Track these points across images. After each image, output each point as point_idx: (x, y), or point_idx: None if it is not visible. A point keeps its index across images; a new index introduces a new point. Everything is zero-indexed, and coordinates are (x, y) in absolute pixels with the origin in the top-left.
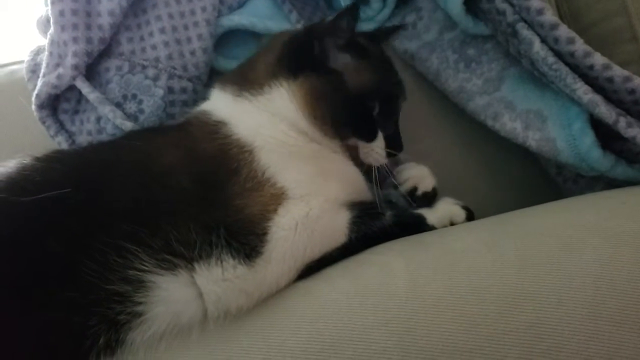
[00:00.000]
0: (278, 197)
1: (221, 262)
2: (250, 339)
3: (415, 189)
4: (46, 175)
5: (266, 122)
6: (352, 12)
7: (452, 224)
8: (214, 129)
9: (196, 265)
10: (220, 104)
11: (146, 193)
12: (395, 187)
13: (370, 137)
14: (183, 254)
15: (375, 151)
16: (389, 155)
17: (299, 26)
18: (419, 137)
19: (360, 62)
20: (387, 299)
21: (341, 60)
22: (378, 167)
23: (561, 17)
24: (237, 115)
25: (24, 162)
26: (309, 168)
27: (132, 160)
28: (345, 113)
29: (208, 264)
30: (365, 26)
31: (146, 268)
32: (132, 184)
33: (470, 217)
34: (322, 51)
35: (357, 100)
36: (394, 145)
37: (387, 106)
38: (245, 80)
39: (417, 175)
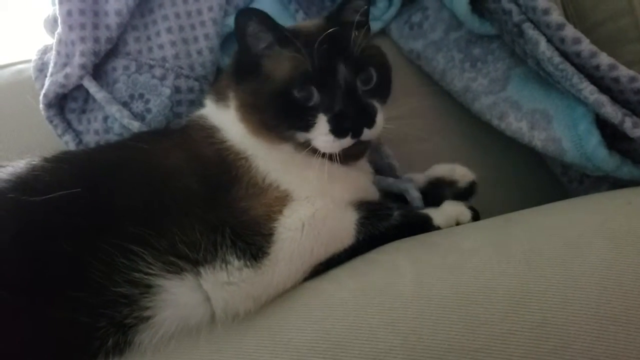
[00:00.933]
0: (283, 199)
1: (226, 264)
2: (257, 338)
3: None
4: (55, 176)
5: (247, 134)
6: (252, 16)
7: (458, 223)
8: (209, 133)
9: (202, 270)
10: (212, 111)
11: (152, 194)
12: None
13: (305, 127)
14: (188, 255)
15: (319, 139)
16: (343, 135)
17: None
18: (425, 137)
19: (282, 53)
20: (393, 299)
21: (269, 58)
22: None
23: (567, 17)
24: (225, 123)
25: (33, 162)
26: (309, 172)
27: (138, 162)
28: (274, 111)
29: (213, 267)
30: (373, 25)
31: (152, 271)
32: (138, 186)
33: (476, 217)
34: (254, 56)
35: (283, 93)
36: (342, 125)
37: (325, 84)
38: (218, 92)
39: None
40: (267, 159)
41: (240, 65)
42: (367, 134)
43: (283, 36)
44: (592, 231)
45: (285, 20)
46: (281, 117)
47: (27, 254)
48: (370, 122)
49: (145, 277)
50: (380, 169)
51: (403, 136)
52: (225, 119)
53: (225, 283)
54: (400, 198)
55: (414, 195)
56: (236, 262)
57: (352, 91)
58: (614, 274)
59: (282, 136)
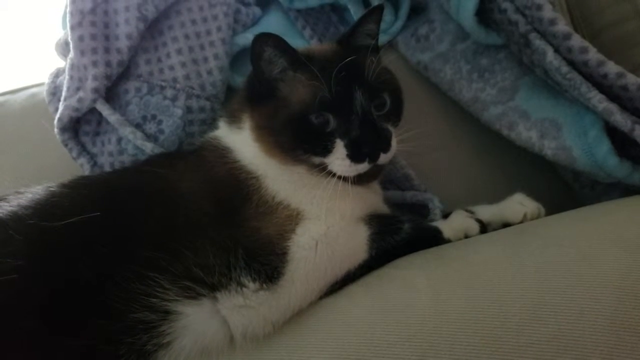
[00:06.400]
0: (294, 218)
1: (241, 287)
2: (275, 357)
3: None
4: (73, 202)
5: (260, 153)
6: (269, 41)
7: (466, 236)
8: (223, 154)
9: (218, 295)
10: (225, 132)
11: (166, 218)
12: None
13: (322, 152)
14: (203, 279)
15: (336, 163)
16: (361, 160)
17: (313, 42)
18: (435, 147)
19: (297, 78)
20: (409, 315)
21: (284, 83)
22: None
23: (573, 22)
24: (237, 144)
25: (52, 189)
26: (320, 191)
27: (154, 187)
28: (291, 135)
29: (229, 291)
30: (379, 39)
31: (169, 297)
32: (153, 211)
33: (483, 229)
34: (270, 80)
35: (300, 118)
36: (359, 150)
37: (342, 110)
38: (231, 114)
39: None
40: (277, 179)
41: (255, 89)
42: (383, 158)
43: (297, 60)
44: (605, 241)
45: (292, 37)
46: (298, 141)
47: (47, 280)
48: (386, 147)
49: (163, 302)
50: (397, 181)
51: (413, 147)
52: (238, 140)
53: (242, 307)
54: (412, 211)
55: (437, 205)
56: (252, 285)
57: (368, 117)
58: (629, 283)
59: (297, 159)
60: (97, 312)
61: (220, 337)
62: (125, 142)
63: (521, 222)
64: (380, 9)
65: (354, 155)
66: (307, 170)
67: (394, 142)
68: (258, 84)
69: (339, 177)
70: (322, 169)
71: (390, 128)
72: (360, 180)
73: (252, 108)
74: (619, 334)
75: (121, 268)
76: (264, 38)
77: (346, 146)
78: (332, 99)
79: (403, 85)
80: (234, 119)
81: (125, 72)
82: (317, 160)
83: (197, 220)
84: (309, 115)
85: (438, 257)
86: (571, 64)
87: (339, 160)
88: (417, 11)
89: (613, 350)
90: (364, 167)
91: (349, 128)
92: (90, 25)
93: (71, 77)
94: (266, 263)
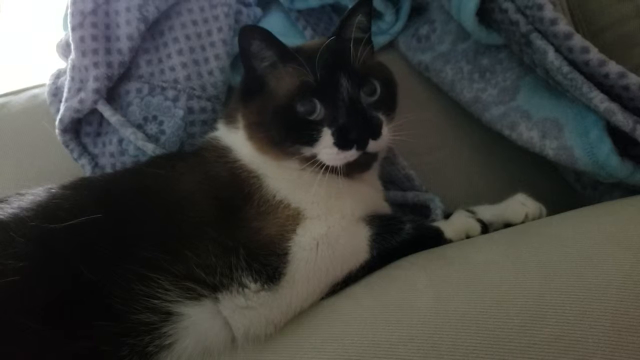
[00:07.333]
0: (294, 218)
1: (243, 288)
2: (277, 358)
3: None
4: (74, 203)
5: (254, 152)
6: (254, 34)
7: (467, 236)
8: (223, 153)
9: (220, 296)
10: (224, 133)
11: (167, 219)
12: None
13: (309, 141)
14: (205, 280)
15: (324, 152)
16: (348, 147)
17: None
18: (436, 148)
19: (285, 69)
20: (411, 315)
21: (273, 76)
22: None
23: (574, 22)
24: (237, 143)
25: (53, 190)
26: (318, 189)
27: (154, 188)
28: (279, 126)
29: (230, 292)
30: (380, 39)
31: (170, 298)
32: (154, 212)
33: (485, 230)
34: (259, 75)
35: (287, 107)
36: (347, 138)
37: (328, 97)
38: (228, 115)
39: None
40: (277, 177)
41: (247, 86)
42: (373, 145)
43: (286, 53)
44: (607, 241)
45: (294, 37)
46: (285, 132)
47: (49, 282)
48: (375, 134)
49: (164, 303)
50: (398, 181)
51: (414, 148)
52: (236, 140)
53: (244, 308)
54: (414, 211)
55: (438, 205)
56: (253, 285)
57: (355, 104)
58: (630, 284)
59: (287, 152)
60: (98, 314)
61: (222, 338)
62: (127, 143)
63: (523, 222)
64: (368, 0)
65: (341, 143)
66: (300, 164)
67: (385, 131)
68: (248, 80)
69: (327, 168)
70: (314, 162)
71: (382, 117)
72: (351, 170)
73: (244, 106)
74: (620, 333)
75: (122, 269)
76: (250, 31)
77: (333, 134)
78: (317, 85)
79: (404, 85)
80: (230, 119)
81: (127, 73)
82: (306, 151)
83: (198, 220)
84: (295, 104)
85: (440, 258)
86: (572, 64)
87: (326, 149)
88: (418, 11)
89: (615, 351)
90: (352, 154)
91: (336, 116)
92: (91, 27)
93: (72, 78)
94: (267, 263)
